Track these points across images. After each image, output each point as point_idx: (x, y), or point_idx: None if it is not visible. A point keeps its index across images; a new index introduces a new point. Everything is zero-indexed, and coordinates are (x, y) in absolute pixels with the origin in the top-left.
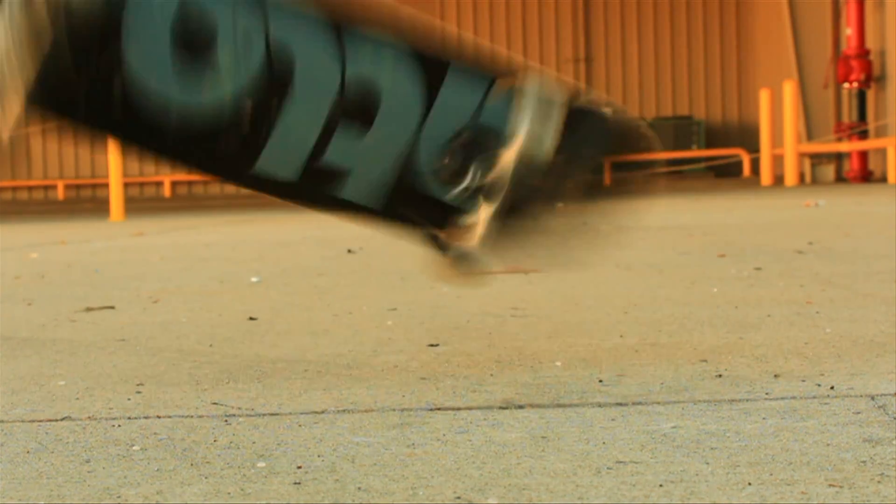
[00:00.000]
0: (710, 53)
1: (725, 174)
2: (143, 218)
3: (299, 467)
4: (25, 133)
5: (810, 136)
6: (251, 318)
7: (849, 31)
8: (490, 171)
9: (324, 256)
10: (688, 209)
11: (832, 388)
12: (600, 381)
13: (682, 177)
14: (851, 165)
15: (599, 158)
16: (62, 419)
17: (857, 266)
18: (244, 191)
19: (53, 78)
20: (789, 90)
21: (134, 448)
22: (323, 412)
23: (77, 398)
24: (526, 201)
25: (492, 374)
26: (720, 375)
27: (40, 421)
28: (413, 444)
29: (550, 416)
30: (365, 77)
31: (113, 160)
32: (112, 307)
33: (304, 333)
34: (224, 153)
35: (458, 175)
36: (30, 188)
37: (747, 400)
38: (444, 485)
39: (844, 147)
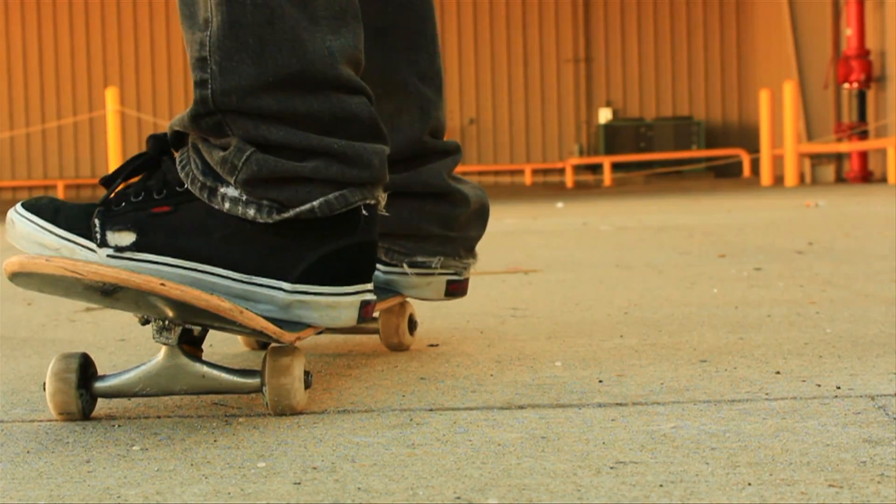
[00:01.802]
0: (710, 53)
1: (725, 174)
2: None
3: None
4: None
5: (810, 136)
6: None
7: (849, 32)
8: None
9: None
10: (688, 209)
11: (836, 388)
12: (600, 381)
13: (682, 177)
14: (851, 166)
15: None
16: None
17: (857, 266)
18: None
19: None
20: (789, 90)
21: (134, 448)
22: (323, 412)
23: None
24: None
25: (492, 375)
26: (720, 376)
27: (40, 421)
28: (413, 444)
29: (550, 417)
30: None
31: (112, 160)
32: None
33: None
34: None
35: None
36: (30, 188)
37: (747, 400)
38: (444, 485)
39: (844, 147)
